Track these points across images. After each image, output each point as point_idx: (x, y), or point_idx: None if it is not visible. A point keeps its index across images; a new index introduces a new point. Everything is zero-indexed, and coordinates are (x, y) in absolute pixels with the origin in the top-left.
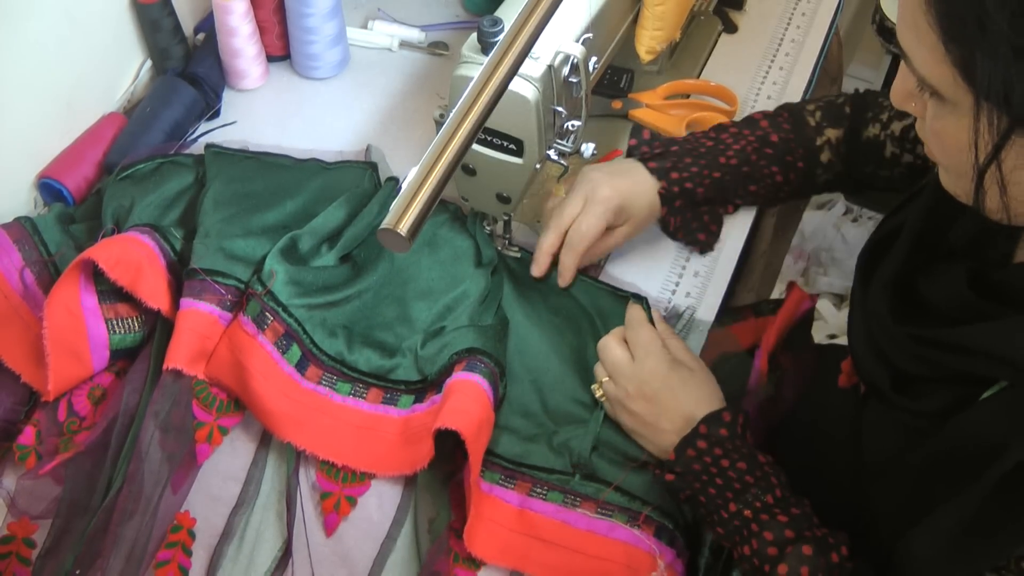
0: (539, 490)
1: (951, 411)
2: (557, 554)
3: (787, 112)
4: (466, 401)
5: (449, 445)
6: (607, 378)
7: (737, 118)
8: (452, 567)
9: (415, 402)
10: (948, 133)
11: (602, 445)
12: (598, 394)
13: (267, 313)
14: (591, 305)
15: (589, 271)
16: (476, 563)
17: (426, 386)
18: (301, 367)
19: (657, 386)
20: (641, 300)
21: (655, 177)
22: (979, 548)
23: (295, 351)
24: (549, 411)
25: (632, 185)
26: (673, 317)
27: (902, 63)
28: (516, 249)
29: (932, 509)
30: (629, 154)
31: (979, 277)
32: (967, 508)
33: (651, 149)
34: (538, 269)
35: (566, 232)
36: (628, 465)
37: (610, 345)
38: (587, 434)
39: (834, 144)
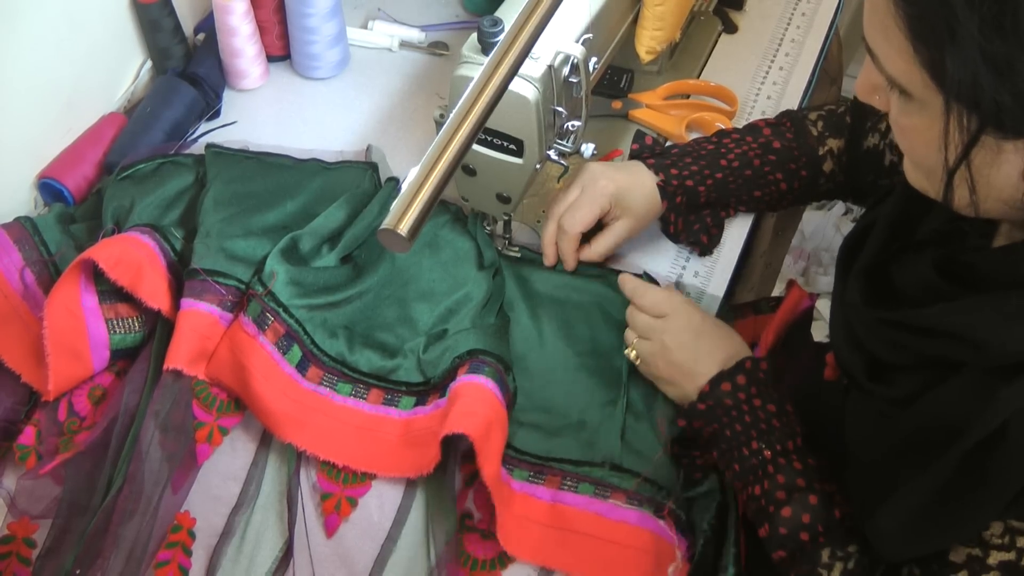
0: (569, 483)
1: (922, 396)
2: (591, 544)
3: (789, 120)
4: (473, 403)
5: (468, 447)
6: (638, 339)
7: (737, 118)
8: (465, 574)
9: (417, 404)
10: (916, 130)
11: (628, 435)
12: (632, 355)
13: (268, 314)
14: (595, 293)
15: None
16: (499, 564)
17: (428, 389)
18: (302, 368)
19: (693, 334)
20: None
21: (653, 171)
22: (942, 524)
23: (296, 352)
24: (571, 403)
25: (630, 177)
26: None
27: (867, 59)
28: (516, 249)
29: (898, 489)
30: (631, 157)
31: (947, 262)
32: (930, 485)
33: (651, 151)
34: (547, 260)
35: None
36: (654, 455)
37: (633, 311)
38: (614, 427)
39: (836, 154)
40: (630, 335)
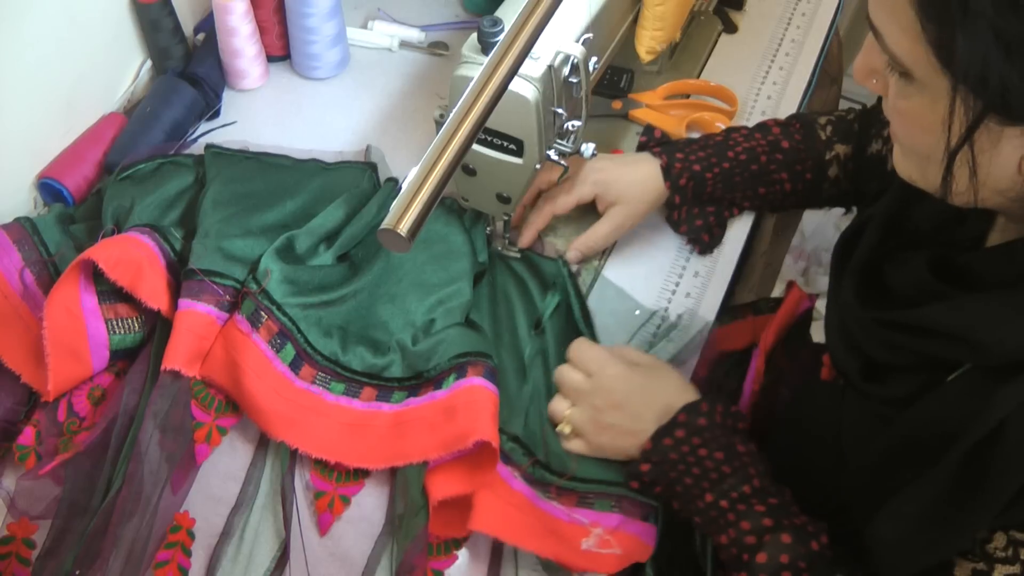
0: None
1: (918, 397)
2: (494, 502)
3: (799, 122)
4: (495, 414)
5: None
6: (570, 408)
7: (737, 118)
8: (427, 560)
9: (409, 396)
10: (915, 113)
11: (530, 419)
12: (566, 431)
13: (261, 312)
14: (524, 279)
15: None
16: (454, 545)
17: (420, 383)
18: (295, 366)
19: (625, 389)
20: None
21: (658, 157)
22: (942, 531)
23: (289, 350)
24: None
25: (623, 168)
26: (665, 323)
27: (868, 38)
28: (516, 249)
29: (897, 493)
30: (639, 149)
31: (942, 262)
32: (928, 491)
33: (659, 143)
34: (515, 218)
35: (539, 192)
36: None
37: (564, 371)
38: (520, 405)
39: (842, 160)
40: (559, 406)
